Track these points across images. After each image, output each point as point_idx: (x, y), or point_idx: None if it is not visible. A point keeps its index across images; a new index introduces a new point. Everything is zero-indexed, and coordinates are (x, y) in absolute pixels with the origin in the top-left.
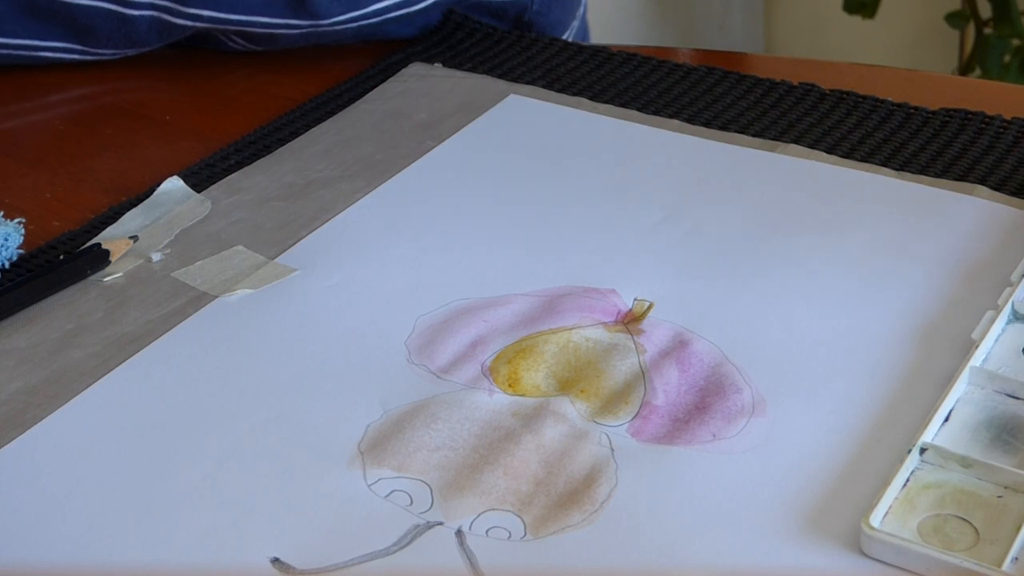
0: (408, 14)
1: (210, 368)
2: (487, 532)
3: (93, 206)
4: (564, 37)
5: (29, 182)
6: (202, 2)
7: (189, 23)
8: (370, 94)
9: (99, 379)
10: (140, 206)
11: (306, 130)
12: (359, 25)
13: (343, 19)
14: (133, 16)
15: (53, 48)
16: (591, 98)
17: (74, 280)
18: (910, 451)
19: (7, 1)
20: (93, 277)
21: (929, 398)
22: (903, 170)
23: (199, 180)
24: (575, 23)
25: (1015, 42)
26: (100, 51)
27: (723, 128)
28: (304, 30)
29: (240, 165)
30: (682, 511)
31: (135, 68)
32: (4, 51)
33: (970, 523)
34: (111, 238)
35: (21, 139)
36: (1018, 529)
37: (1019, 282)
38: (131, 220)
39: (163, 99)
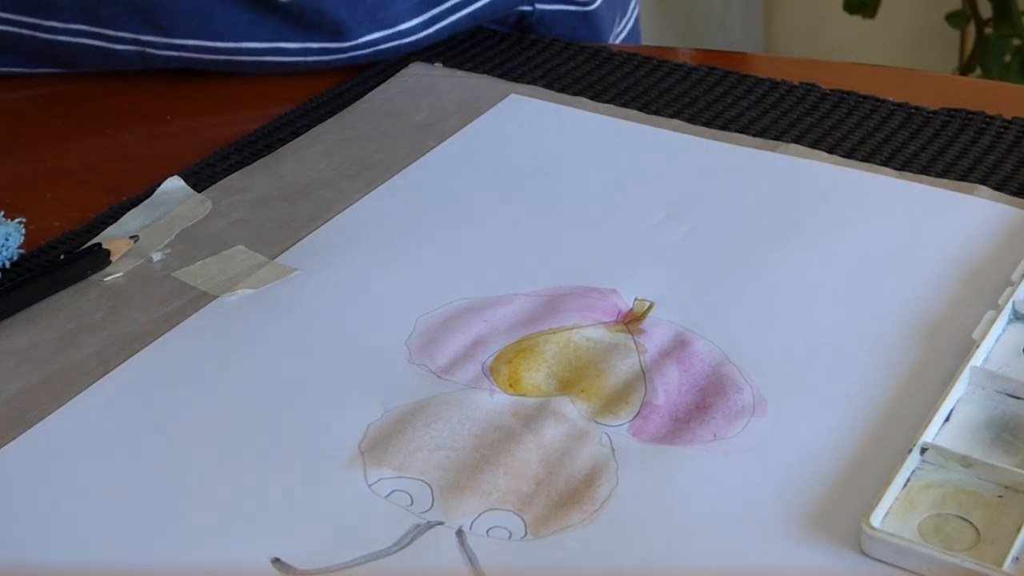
0: (402, 44)
1: (210, 368)
2: (488, 532)
3: (93, 206)
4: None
5: (29, 182)
6: (187, 31)
7: (175, 54)
8: (370, 94)
9: (99, 379)
10: (140, 206)
11: (306, 130)
12: (380, 50)
13: (368, 42)
14: (119, 51)
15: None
16: (591, 98)
17: (75, 280)
18: (911, 451)
19: None
20: (93, 277)
21: (930, 398)
22: (904, 170)
23: (199, 180)
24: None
25: (1015, 42)
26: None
27: (723, 128)
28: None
29: (240, 165)
30: (682, 511)
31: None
32: None
33: (971, 523)
34: (111, 238)
35: (21, 138)
36: (1019, 529)
37: (1020, 282)
38: (131, 220)
39: (163, 99)
